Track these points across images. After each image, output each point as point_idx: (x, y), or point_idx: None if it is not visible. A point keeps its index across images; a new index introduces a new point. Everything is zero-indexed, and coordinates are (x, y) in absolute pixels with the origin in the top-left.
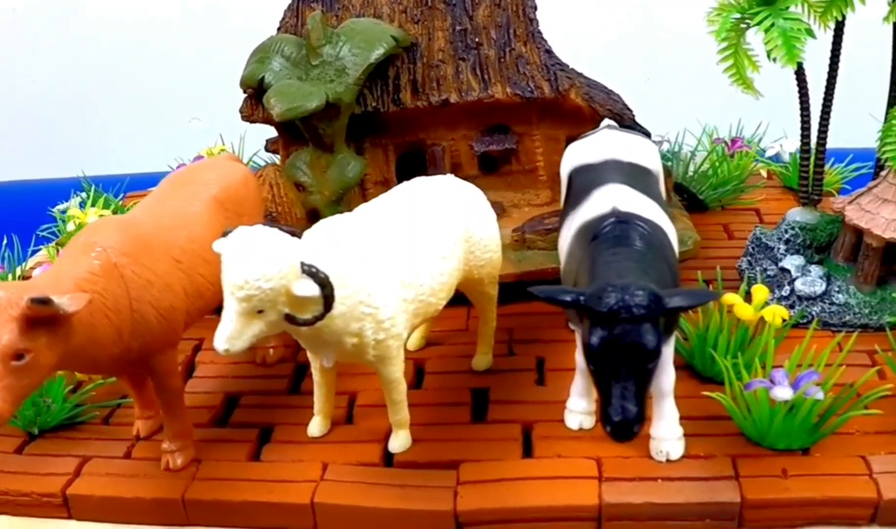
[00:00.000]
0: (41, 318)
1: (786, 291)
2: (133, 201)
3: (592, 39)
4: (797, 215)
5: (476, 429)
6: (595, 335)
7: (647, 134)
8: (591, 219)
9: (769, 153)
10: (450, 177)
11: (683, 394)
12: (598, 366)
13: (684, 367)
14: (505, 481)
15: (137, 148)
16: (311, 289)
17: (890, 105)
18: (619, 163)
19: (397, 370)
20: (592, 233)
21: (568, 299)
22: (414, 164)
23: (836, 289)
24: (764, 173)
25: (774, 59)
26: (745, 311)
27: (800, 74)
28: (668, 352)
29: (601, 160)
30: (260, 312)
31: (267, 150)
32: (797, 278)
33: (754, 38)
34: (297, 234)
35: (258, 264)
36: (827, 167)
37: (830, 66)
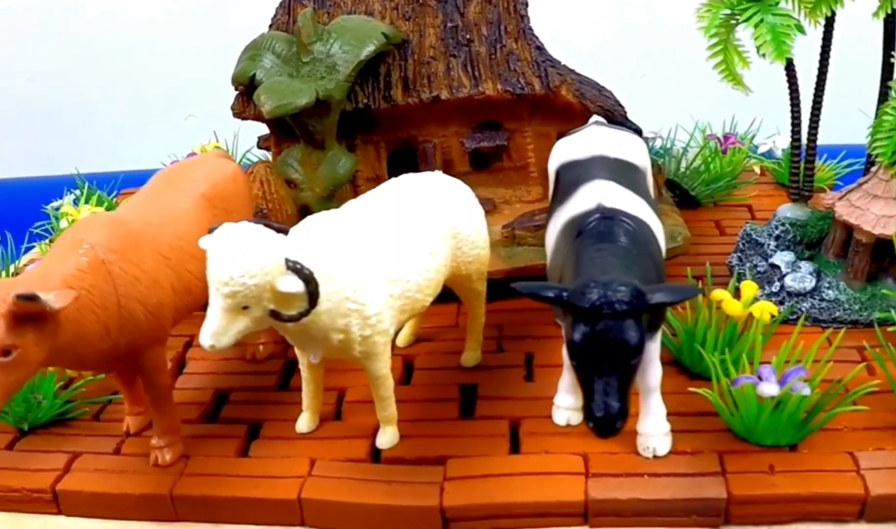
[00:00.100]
0: (28, 314)
1: (776, 287)
2: (127, 198)
3: (585, 36)
4: (788, 211)
5: (464, 425)
6: (577, 331)
7: (637, 130)
8: (576, 215)
9: (762, 150)
10: (437, 173)
11: (671, 390)
12: (580, 362)
13: (672, 363)
14: (492, 477)
15: (131, 145)
16: (295, 285)
17: (880, 101)
18: (606, 159)
19: (384, 367)
20: (577, 229)
21: (551, 294)
22: (405, 160)
23: (826, 285)
24: (757, 170)
25: (764, 55)
26: (733, 307)
27: (789, 70)
28: (654, 348)
29: (588, 156)
30: (245, 308)
31: (259, 147)
32: (787, 274)
33: (744, 34)
34: (285, 230)
35: (242, 261)
36: (820, 163)
37: (820, 62)
